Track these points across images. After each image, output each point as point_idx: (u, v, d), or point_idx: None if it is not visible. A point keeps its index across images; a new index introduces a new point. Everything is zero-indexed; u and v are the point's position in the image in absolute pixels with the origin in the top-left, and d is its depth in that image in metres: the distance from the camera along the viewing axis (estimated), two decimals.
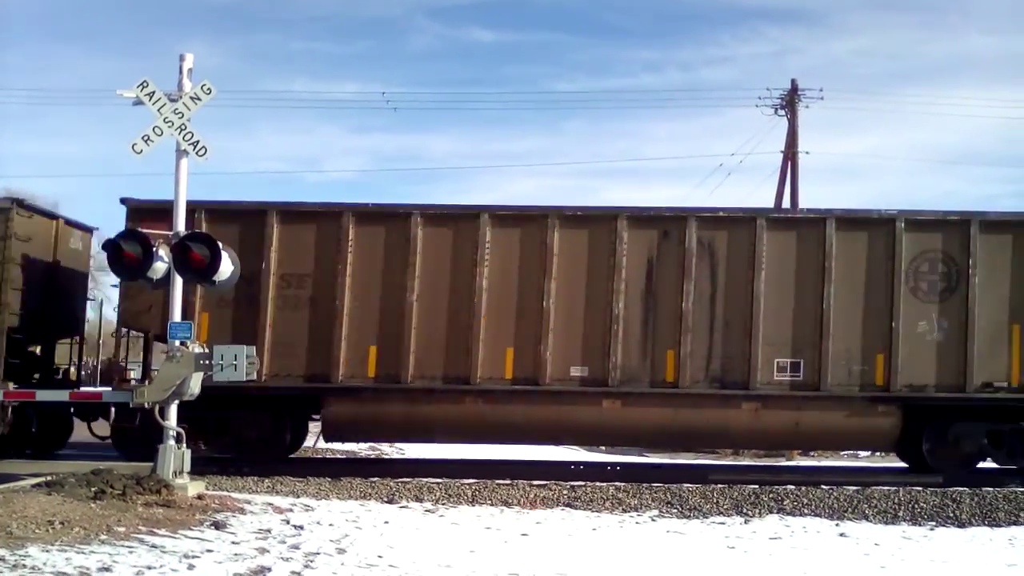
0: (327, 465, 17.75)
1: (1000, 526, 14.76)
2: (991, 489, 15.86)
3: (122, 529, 10.62)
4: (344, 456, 21.11)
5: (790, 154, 30.61)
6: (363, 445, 22.58)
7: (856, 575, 11.30)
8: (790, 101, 31.09)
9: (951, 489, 15.85)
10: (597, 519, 14.38)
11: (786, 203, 31.22)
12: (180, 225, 13.13)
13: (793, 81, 31.26)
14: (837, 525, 14.52)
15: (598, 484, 15.91)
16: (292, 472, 16.34)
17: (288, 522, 12.22)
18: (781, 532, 13.94)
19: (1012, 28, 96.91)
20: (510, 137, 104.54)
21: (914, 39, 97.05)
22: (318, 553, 10.36)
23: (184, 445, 13.20)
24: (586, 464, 17.92)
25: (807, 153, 31.39)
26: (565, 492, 15.51)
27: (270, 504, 13.36)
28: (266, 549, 10.38)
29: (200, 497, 12.99)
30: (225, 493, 13.97)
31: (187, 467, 13.21)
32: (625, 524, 14.19)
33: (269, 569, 9.27)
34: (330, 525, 12.24)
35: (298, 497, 14.51)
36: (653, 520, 14.57)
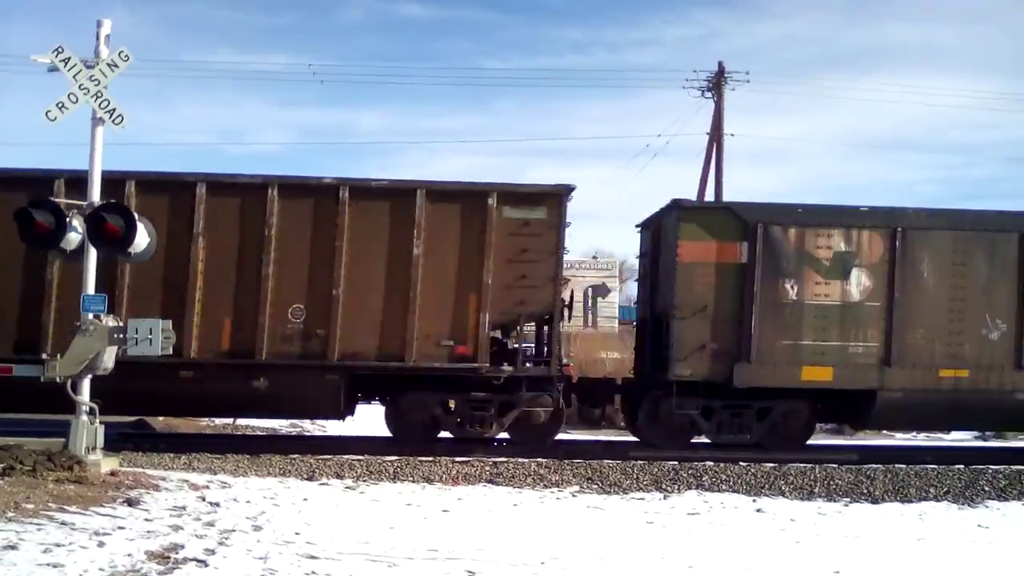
0: (247, 442, 17.48)
1: (911, 502, 15.15)
2: (903, 466, 16.24)
3: (31, 506, 10.33)
4: (264, 433, 20.86)
5: (716, 136, 30.88)
6: (284, 422, 22.34)
7: (772, 550, 11.46)
8: (717, 83, 31.39)
9: (866, 466, 16.19)
10: (519, 495, 14.41)
11: (711, 185, 31.54)
12: (95, 195, 12.77)
13: (720, 63, 31.64)
14: (754, 501, 14.76)
15: (520, 460, 15.93)
16: (210, 448, 16.08)
17: (204, 499, 12.01)
18: (699, 508, 14.13)
19: (928, 17, 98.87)
20: (440, 114, 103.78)
21: (838, 24, 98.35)
22: (233, 530, 10.19)
23: (97, 420, 12.88)
24: (508, 441, 17.89)
25: (732, 135, 31.78)
26: (487, 468, 15.50)
27: (186, 481, 13.12)
28: (180, 526, 10.18)
29: (113, 473, 12.71)
30: (140, 470, 13.69)
31: (100, 443, 12.90)
32: (546, 500, 14.24)
33: (182, 546, 9.08)
34: (247, 502, 12.06)
35: (215, 474, 14.29)
36: (574, 496, 14.66)
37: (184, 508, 11.31)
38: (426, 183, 16.55)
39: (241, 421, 21.11)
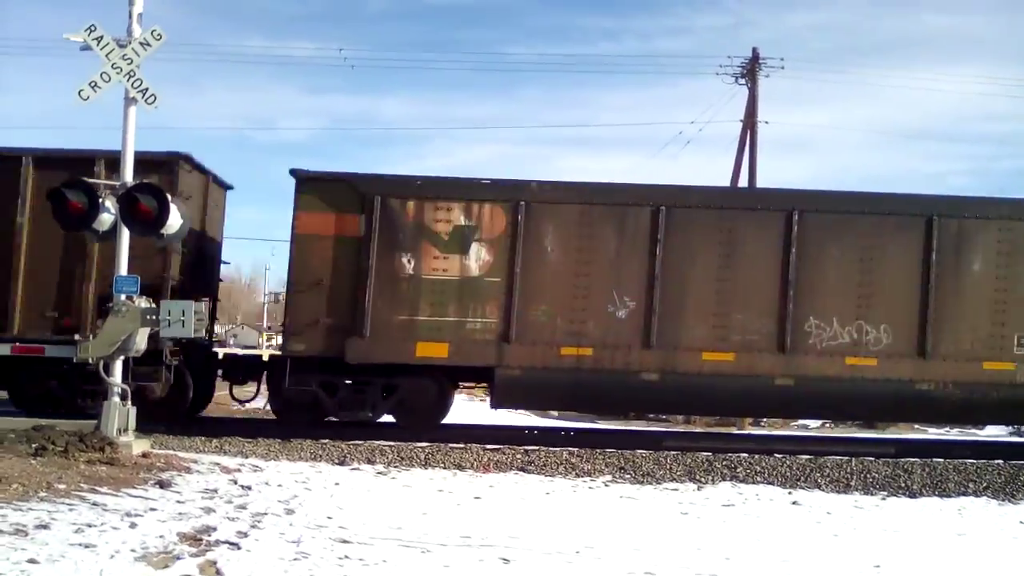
0: (278, 426, 17.42)
1: (950, 496, 14.86)
2: (942, 460, 15.96)
3: (63, 487, 10.29)
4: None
5: (750, 123, 30.50)
6: None
7: (808, 543, 11.24)
8: (751, 69, 30.98)
9: (903, 460, 15.92)
10: (550, 483, 14.26)
11: (744, 173, 31.19)
12: (128, 175, 12.70)
13: (754, 49, 31.16)
14: (790, 493, 14.52)
15: (552, 449, 15.79)
16: (242, 432, 16.05)
17: (236, 482, 11.94)
18: (734, 499, 13.92)
19: (961, 6, 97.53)
20: (465, 102, 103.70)
21: (868, 15, 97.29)
22: (265, 514, 10.10)
23: (129, 402, 12.84)
24: (539, 429, 17.79)
25: (766, 123, 31.35)
26: (519, 457, 15.37)
27: (217, 464, 13.07)
28: (212, 509, 10.10)
29: (145, 455, 12.68)
30: (171, 452, 13.64)
31: (132, 425, 12.87)
32: (578, 489, 14.08)
33: (214, 529, 9.00)
34: (279, 486, 11.98)
35: (246, 458, 14.23)
36: (606, 485, 14.48)
37: (216, 491, 11.23)
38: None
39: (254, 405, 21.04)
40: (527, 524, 11.01)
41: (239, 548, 8.30)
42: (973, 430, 25.30)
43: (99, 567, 7.27)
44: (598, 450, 15.80)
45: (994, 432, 26.77)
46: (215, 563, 7.74)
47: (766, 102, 31.56)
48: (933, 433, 23.40)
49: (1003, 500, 14.77)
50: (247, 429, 16.52)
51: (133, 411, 12.84)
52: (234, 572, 7.51)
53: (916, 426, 22.57)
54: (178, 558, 7.77)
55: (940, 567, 10.32)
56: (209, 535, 8.72)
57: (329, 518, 10.20)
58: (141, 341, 12.60)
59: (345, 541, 9.12)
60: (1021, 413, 17.24)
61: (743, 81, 30.90)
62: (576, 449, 15.83)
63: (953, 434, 23.25)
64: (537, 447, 15.91)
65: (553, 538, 10.31)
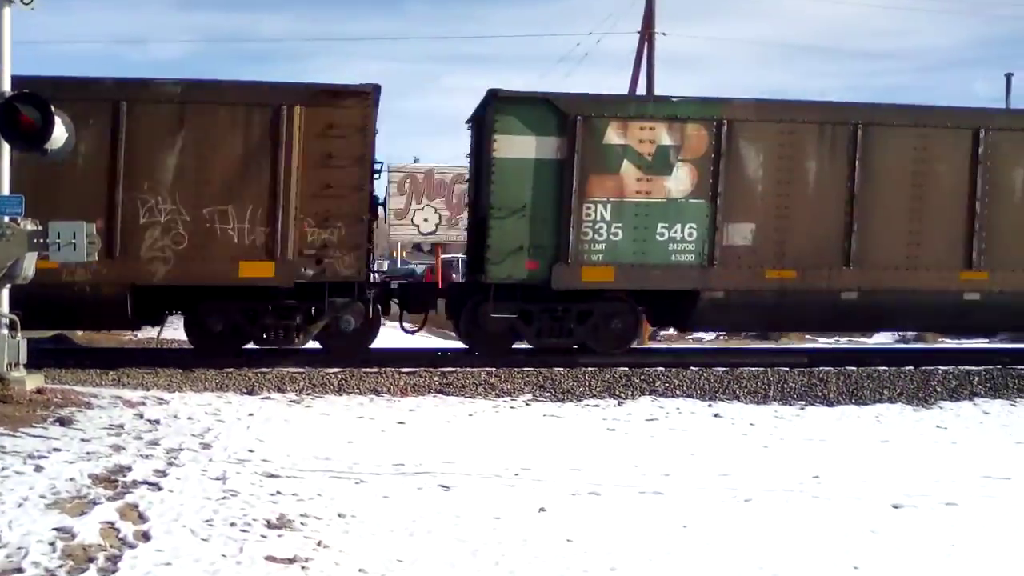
0: (176, 356, 16.52)
1: (866, 404, 14.98)
2: (855, 368, 16.07)
3: None
4: (190, 346, 19.81)
5: (647, 33, 29.98)
6: None
7: (740, 456, 11.13)
8: None
9: (818, 368, 15.98)
10: (472, 405, 13.85)
11: (642, 87, 30.78)
12: (5, 84, 11.52)
13: None
14: (710, 406, 14.44)
15: (469, 370, 15.32)
16: (139, 363, 15.13)
17: (142, 416, 11.16)
18: (656, 413, 13.77)
19: None
20: (349, 19, 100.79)
21: None
22: (181, 449, 9.40)
23: (19, 333, 11.84)
24: (454, 351, 17.27)
25: (664, 34, 30.88)
26: (436, 379, 14.86)
27: (119, 398, 12.22)
28: (121, 446, 9.35)
29: (40, 391, 11.74)
30: (67, 387, 12.70)
31: (23, 359, 11.87)
32: (500, 409, 13.71)
33: (129, 468, 8.28)
34: (189, 419, 11.24)
35: (148, 390, 13.38)
36: (527, 404, 14.16)
37: (122, 426, 10.45)
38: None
39: (166, 335, 20.04)
40: (457, 448, 10.58)
41: (160, 488, 7.63)
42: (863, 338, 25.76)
43: (7, 518, 6.54)
44: (516, 370, 15.40)
45: (880, 339, 27.39)
46: (136, 506, 7.08)
47: (662, 18, 30.80)
48: (843, 342, 23.75)
49: (917, 406, 14.97)
50: (145, 360, 15.58)
51: (24, 344, 11.83)
52: (159, 515, 6.87)
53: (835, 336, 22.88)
54: (95, 503, 7.07)
55: (872, 474, 10.29)
56: (124, 475, 8.01)
57: (250, 451, 9.58)
58: (29, 267, 11.56)
59: (273, 475, 8.54)
60: None
61: None
62: (494, 369, 15.40)
63: (843, 343, 23.59)
64: (454, 368, 15.43)
65: (488, 461, 9.91)
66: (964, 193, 16.57)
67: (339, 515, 7.39)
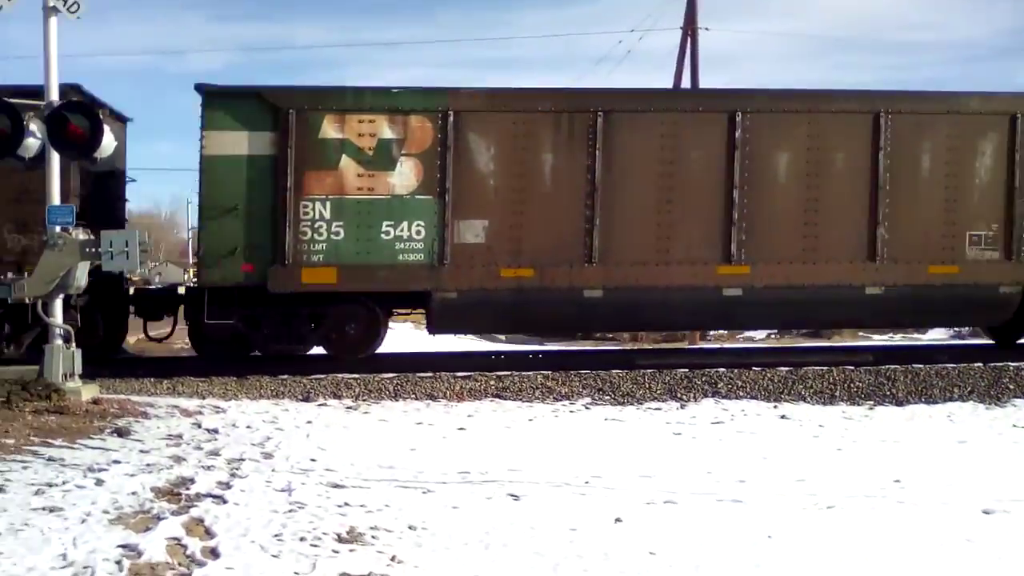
0: (230, 363, 16.34)
1: (936, 403, 14.51)
2: (923, 366, 15.55)
3: (11, 441, 9.23)
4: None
5: (690, 29, 29.51)
6: None
7: (814, 460, 10.72)
8: None
9: (885, 367, 15.49)
10: (530, 409, 13.56)
11: (686, 83, 30.30)
12: (53, 94, 11.37)
13: None
14: (775, 407, 14.04)
15: (525, 373, 15.01)
16: (192, 372, 14.96)
17: (200, 426, 10.96)
18: (721, 416, 13.40)
19: None
20: (381, 27, 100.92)
21: None
22: (242, 460, 9.17)
23: (74, 344, 11.69)
24: (507, 354, 17.01)
25: (707, 30, 30.41)
26: (492, 383, 14.58)
27: (175, 407, 12.05)
28: (182, 457, 9.14)
29: (96, 401, 11.60)
30: (123, 396, 12.56)
31: (78, 369, 11.75)
32: (560, 413, 13.41)
33: (191, 480, 8.05)
34: (248, 427, 11.04)
35: (204, 399, 13.22)
36: (587, 408, 13.84)
37: (180, 436, 10.25)
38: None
39: None
40: (521, 454, 10.27)
41: (225, 501, 7.38)
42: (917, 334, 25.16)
43: (71, 535, 6.31)
44: (573, 372, 15.07)
45: (936, 336, 26.75)
46: (202, 521, 6.83)
47: (702, 15, 30.18)
48: (912, 339, 23.11)
49: (990, 404, 14.48)
50: (199, 368, 15.41)
51: (79, 354, 11.70)
52: (226, 530, 6.61)
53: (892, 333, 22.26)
54: (159, 518, 6.83)
55: (954, 478, 9.84)
56: (187, 488, 7.77)
57: (313, 460, 9.32)
58: (81, 277, 11.42)
59: (338, 486, 8.27)
60: None
61: None
62: (550, 372, 15.07)
63: (927, 339, 22.93)
64: (510, 372, 15.12)
65: (555, 468, 9.59)
66: (721, 182, 15.57)
67: (410, 527, 7.09)
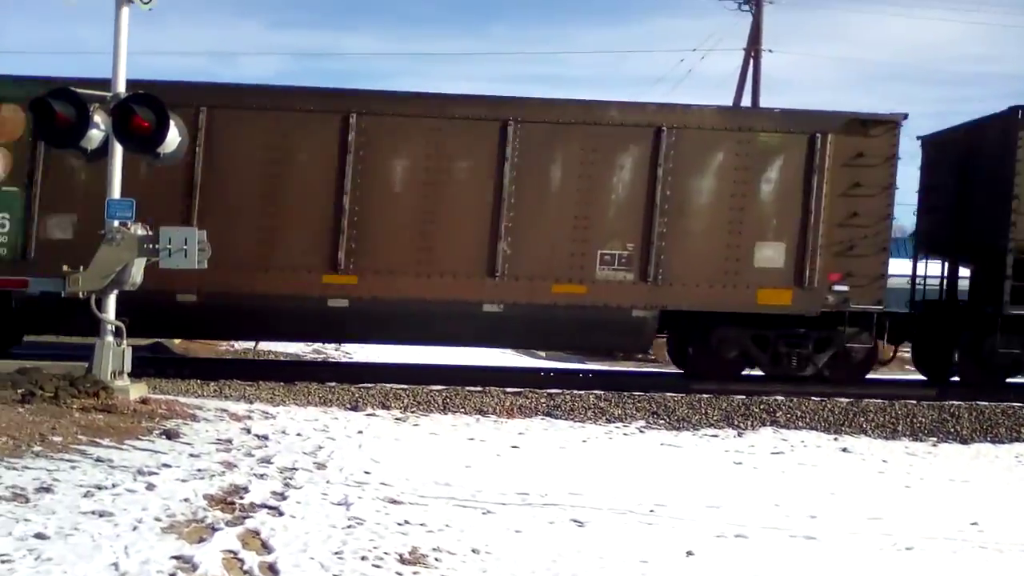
0: (276, 368, 16.16)
1: (1003, 442, 13.98)
2: (988, 404, 14.99)
3: (58, 439, 8.97)
4: (288, 359, 19.52)
5: (754, 50, 29.08)
6: (306, 348, 21.00)
7: (883, 496, 10.28)
8: None
9: (948, 403, 14.94)
10: (582, 430, 13.17)
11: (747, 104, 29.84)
12: (120, 85, 11.19)
13: None
14: (836, 439, 13.58)
15: (577, 392, 14.62)
16: (238, 374, 14.72)
17: (249, 431, 10.68)
18: (780, 446, 12.96)
19: None
20: (433, 39, 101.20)
21: None
22: (295, 469, 8.86)
23: (124, 341, 11.47)
24: (558, 371, 16.62)
25: (770, 51, 29.93)
26: (543, 400, 14.22)
27: (224, 411, 11.77)
28: (233, 464, 8.84)
29: (144, 401, 11.35)
30: (172, 397, 12.31)
31: (128, 367, 11.52)
32: (613, 436, 13.01)
33: (245, 489, 7.75)
34: (298, 435, 10.73)
35: (251, 403, 12.93)
36: (641, 431, 13.43)
37: (230, 441, 9.96)
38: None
39: (262, 346, 19.79)
40: (579, 477, 9.90)
41: (281, 513, 7.06)
42: None
43: (122, 542, 6.02)
44: (626, 393, 14.66)
45: None
46: (258, 533, 6.52)
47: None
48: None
49: None
50: (246, 371, 15.18)
51: (128, 352, 11.47)
52: (284, 545, 6.29)
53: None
54: (214, 528, 6.52)
55: None
56: (241, 497, 7.47)
57: (367, 473, 9.00)
58: (137, 273, 11.20)
59: (395, 501, 7.93)
60: None
61: (746, 7, 29.37)
62: (602, 392, 14.67)
63: None
64: (560, 391, 14.73)
65: (616, 494, 9.21)
66: (330, 186, 14.49)
67: (473, 551, 6.74)
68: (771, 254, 15.15)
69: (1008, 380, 16.02)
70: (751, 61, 29.21)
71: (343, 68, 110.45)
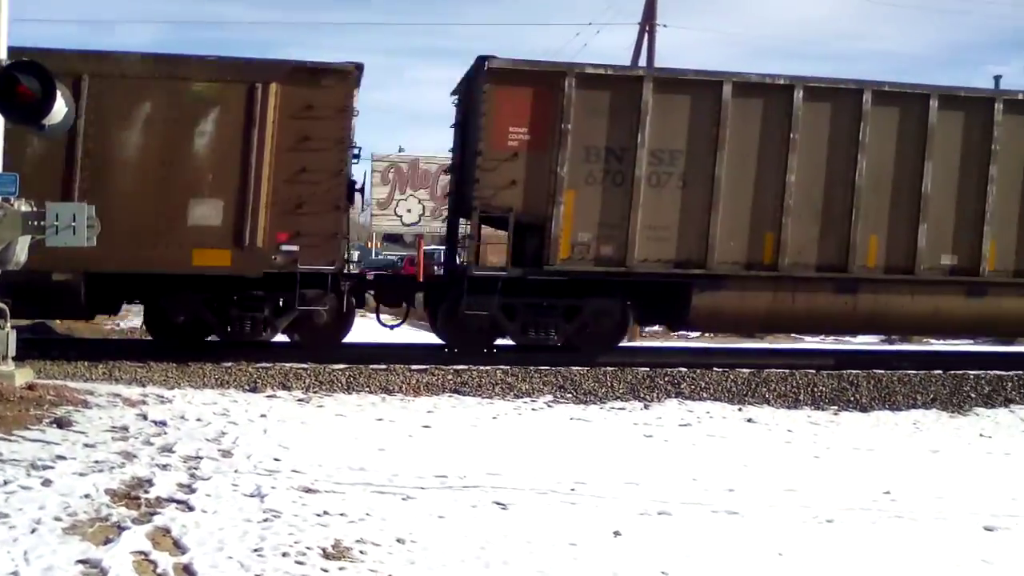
0: (167, 347, 15.43)
1: (900, 409, 14.31)
2: (886, 372, 15.33)
3: None
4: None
5: (648, 25, 29.04)
6: None
7: (795, 468, 10.34)
8: None
9: (847, 372, 15.22)
10: (491, 406, 12.96)
11: None
12: (1, 51, 10.40)
13: None
14: (740, 410, 13.70)
15: (483, 368, 14.39)
16: (128, 355, 14.04)
17: (146, 417, 10.14)
18: (687, 418, 13.00)
19: None
20: (316, 7, 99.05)
21: None
22: (199, 457, 8.41)
23: (8, 324, 10.76)
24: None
25: (664, 26, 29.95)
26: (450, 377, 13.94)
27: (117, 395, 11.18)
28: (132, 453, 8.34)
29: (31, 387, 10.68)
30: (60, 382, 11.64)
31: (12, 351, 10.81)
32: (522, 411, 12.84)
33: (149, 481, 7.29)
34: (198, 420, 10.24)
35: (145, 386, 12.35)
36: (549, 406, 13.30)
37: (126, 429, 9.43)
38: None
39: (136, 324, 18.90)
40: (495, 456, 9.69)
41: (191, 508, 6.65)
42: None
43: (20, 547, 5.55)
44: (532, 368, 14.48)
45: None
46: (169, 531, 6.11)
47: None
48: (873, 344, 22.76)
49: (953, 412, 14.35)
50: (134, 352, 14.47)
51: (13, 335, 10.75)
52: (198, 543, 5.90)
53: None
54: (120, 527, 6.09)
55: (941, 490, 9.54)
56: (146, 491, 7.02)
57: (277, 460, 8.60)
58: (21, 252, 10.49)
59: (311, 490, 7.57)
60: None
61: None
62: (508, 367, 14.47)
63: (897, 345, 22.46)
64: (467, 367, 14.47)
65: (534, 473, 9.02)
66: None
67: (398, 540, 6.46)
68: (207, 212, 13.83)
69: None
70: (645, 36, 29.16)
71: (224, 38, 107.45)
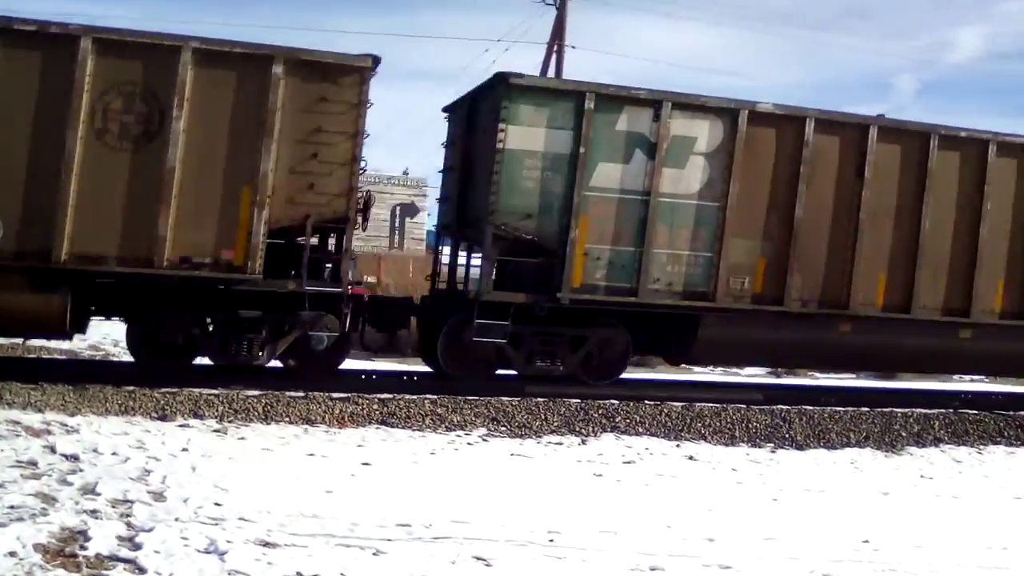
0: (56, 367, 14.07)
1: (836, 448, 14.02)
2: (817, 408, 15.04)
3: None
4: (66, 356, 17.20)
5: (556, 46, 28.67)
6: (82, 343, 18.65)
7: (759, 512, 9.86)
8: None
9: (778, 407, 14.86)
10: (424, 440, 12.09)
11: None
12: None
13: None
14: (678, 446, 13.20)
15: (409, 397, 13.48)
16: (14, 376, 12.59)
17: (54, 450, 8.94)
18: (627, 454, 12.44)
19: None
20: (180, 17, 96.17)
21: None
22: (129, 501, 7.34)
23: None
24: (384, 374, 15.35)
25: (573, 47, 29.65)
26: (375, 407, 12.99)
27: (16, 423, 9.91)
28: (51, 496, 7.21)
29: None
30: None
31: None
32: (458, 446, 12.03)
33: (83, 535, 6.21)
34: (114, 454, 9.09)
35: (43, 412, 11.05)
36: (484, 440, 12.54)
37: (35, 464, 8.26)
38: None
39: (33, 342, 17.35)
40: (452, 499, 8.90)
41: (142, 570, 5.63)
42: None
43: None
44: (461, 398, 13.63)
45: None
46: None
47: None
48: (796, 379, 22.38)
49: (887, 451, 14.12)
50: (23, 373, 13.03)
51: None
52: None
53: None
54: None
55: (917, 538, 9.19)
56: (83, 546, 5.94)
57: (218, 505, 7.58)
58: None
59: (269, 544, 6.61)
60: None
61: (551, 1, 28.88)
62: (435, 396, 13.59)
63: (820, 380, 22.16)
64: (393, 395, 13.53)
65: (503, 520, 8.29)
66: None
67: None
68: None
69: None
70: (553, 56, 28.79)
71: None
